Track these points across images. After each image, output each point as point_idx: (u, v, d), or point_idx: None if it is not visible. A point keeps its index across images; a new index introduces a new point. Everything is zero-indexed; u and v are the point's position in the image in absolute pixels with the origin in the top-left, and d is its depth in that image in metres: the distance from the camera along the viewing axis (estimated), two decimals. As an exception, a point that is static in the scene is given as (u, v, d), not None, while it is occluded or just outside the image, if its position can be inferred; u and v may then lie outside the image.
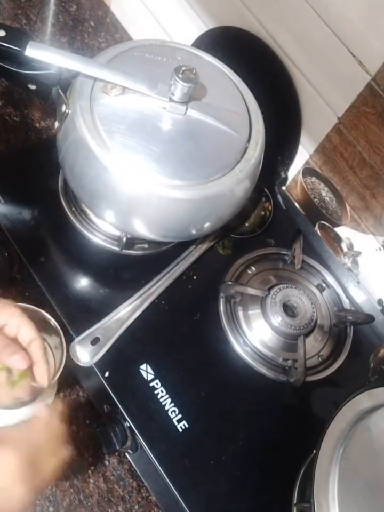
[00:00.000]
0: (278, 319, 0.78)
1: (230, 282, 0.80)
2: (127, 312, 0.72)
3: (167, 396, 0.69)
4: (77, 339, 0.68)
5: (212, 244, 0.83)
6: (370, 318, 0.83)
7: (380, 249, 0.85)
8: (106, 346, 0.69)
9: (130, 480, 0.69)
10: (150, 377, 0.70)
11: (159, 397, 0.69)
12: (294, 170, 0.93)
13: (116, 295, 0.76)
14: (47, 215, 0.79)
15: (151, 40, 0.71)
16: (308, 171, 0.91)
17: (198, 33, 0.93)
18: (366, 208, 0.84)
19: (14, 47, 0.60)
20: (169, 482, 0.65)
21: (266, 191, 0.91)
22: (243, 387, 0.73)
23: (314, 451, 0.62)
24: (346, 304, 0.87)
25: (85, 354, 0.68)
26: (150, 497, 0.67)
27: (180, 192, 0.61)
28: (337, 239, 0.92)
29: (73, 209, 0.78)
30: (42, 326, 0.70)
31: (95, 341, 0.69)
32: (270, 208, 0.91)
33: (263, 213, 0.91)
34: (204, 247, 0.82)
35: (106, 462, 0.71)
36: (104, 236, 0.77)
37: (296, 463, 0.71)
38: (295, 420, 0.74)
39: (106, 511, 0.66)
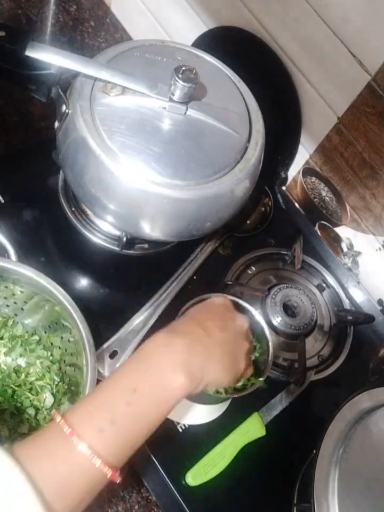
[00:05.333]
0: (278, 319, 0.78)
1: (230, 282, 0.80)
2: (141, 321, 0.72)
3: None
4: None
5: (217, 245, 0.83)
6: (370, 318, 0.83)
7: (380, 249, 0.85)
8: (123, 358, 0.69)
9: (130, 480, 0.69)
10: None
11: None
12: (294, 170, 0.93)
13: (115, 295, 0.76)
14: (47, 215, 0.79)
15: (151, 40, 0.71)
16: (307, 171, 0.91)
17: (198, 33, 0.93)
18: (366, 208, 0.84)
19: (14, 47, 0.60)
20: (169, 482, 0.65)
21: (266, 188, 0.92)
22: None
23: (314, 451, 0.62)
24: (346, 304, 0.87)
25: (104, 369, 0.68)
26: (150, 497, 0.67)
27: (180, 192, 0.61)
28: (337, 239, 0.92)
29: (73, 209, 0.78)
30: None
31: (113, 355, 0.69)
32: (270, 203, 0.91)
33: (263, 209, 0.91)
34: (209, 249, 0.82)
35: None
36: (104, 235, 0.77)
37: (296, 463, 0.71)
38: (295, 420, 0.74)
39: (106, 511, 0.66)
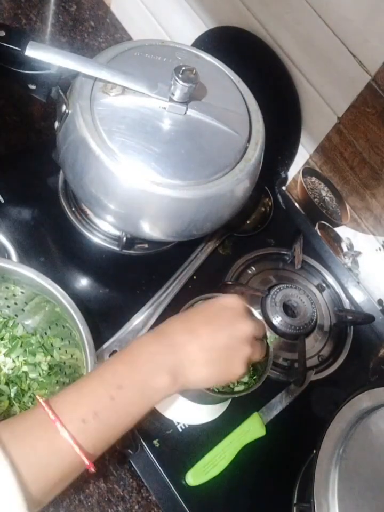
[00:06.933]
0: (278, 319, 0.78)
1: (230, 282, 0.80)
2: (140, 321, 0.72)
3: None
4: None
5: (217, 245, 0.83)
6: (370, 318, 0.83)
7: (380, 249, 0.85)
8: None
9: (130, 480, 0.69)
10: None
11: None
12: (294, 170, 0.93)
13: (115, 295, 0.76)
14: (47, 215, 0.79)
15: (151, 40, 0.71)
16: (308, 171, 0.91)
17: (198, 33, 0.93)
18: (366, 208, 0.84)
19: (14, 47, 0.60)
20: (169, 482, 0.65)
21: (266, 188, 0.92)
22: (243, 387, 0.73)
23: (314, 451, 0.62)
24: (346, 304, 0.87)
25: None
26: (150, 497, 0.67)
27: (180, 192, 0.61)
28: (337, 239, 0.92)
29: (73, 209, 0.78)
30: None
31: (113, 354, 0.68)
32: (270, 203, 0.91)
33: (263, 209, 0.91)
34: (209, 249, 0.82)
35: (106, 462, 0.70)
36: (104, 235, 0.77)
37: (296, 463, 0.71)
38: (295, 420, 0.74)
39: (106, 511, 0.66)
